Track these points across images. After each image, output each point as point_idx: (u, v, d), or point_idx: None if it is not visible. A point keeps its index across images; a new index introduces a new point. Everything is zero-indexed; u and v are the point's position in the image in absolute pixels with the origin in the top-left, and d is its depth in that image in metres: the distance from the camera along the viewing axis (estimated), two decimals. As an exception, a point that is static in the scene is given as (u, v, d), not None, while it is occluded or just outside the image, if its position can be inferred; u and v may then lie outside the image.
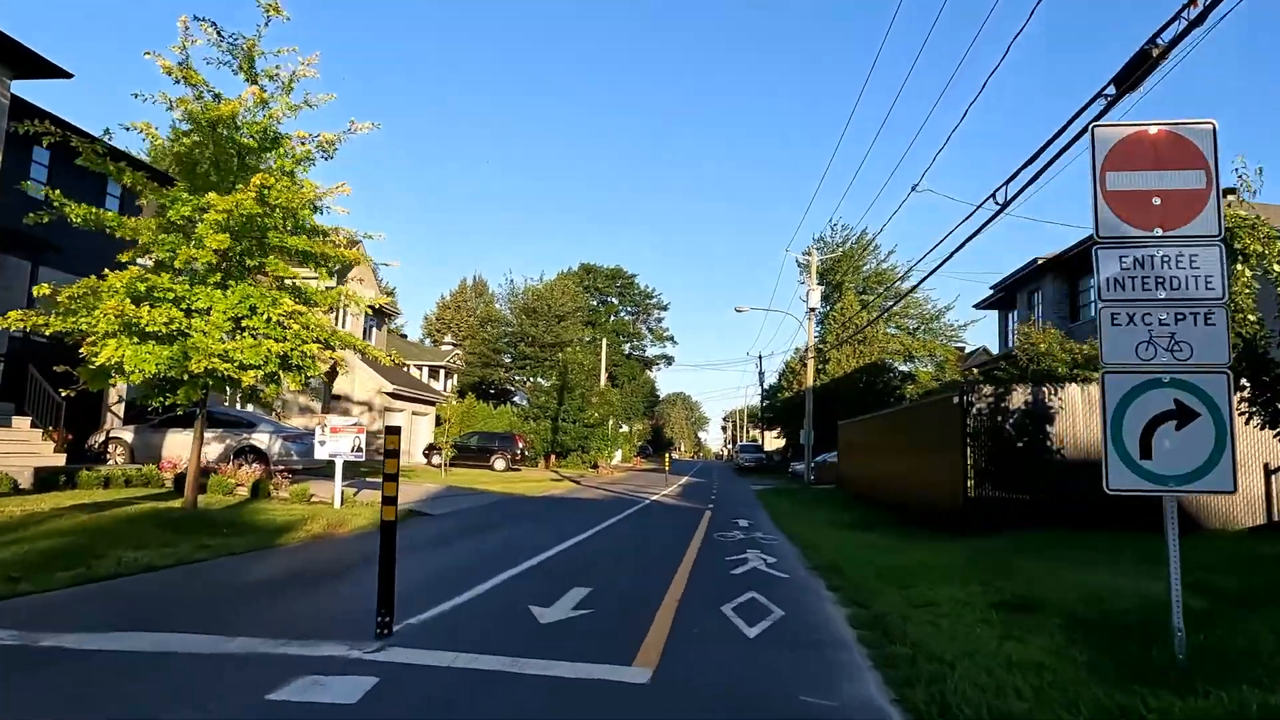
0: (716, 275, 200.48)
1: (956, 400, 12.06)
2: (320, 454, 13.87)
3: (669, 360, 70.34)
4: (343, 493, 14.08)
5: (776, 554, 10.43)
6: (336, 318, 30.74)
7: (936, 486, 13.07)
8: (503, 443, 35.07)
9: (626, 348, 65.00)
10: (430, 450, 35.13)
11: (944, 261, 26.09)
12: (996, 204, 12.29)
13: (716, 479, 42.04)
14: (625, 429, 74.92)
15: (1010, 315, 32.12)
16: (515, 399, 49.60)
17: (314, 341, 11.42)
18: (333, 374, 33.09)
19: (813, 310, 36.67)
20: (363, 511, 13.07)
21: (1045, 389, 12.24)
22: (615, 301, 64.82)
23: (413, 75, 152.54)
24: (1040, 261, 26.50)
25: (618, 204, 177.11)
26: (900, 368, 51.35)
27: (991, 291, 31.36)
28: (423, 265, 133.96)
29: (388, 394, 34.39)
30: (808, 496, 21.89)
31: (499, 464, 34.40)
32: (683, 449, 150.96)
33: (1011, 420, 11.74)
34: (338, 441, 13.84)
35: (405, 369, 49.31)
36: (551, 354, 44.04)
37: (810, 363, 36.88)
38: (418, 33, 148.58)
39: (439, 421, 43.89)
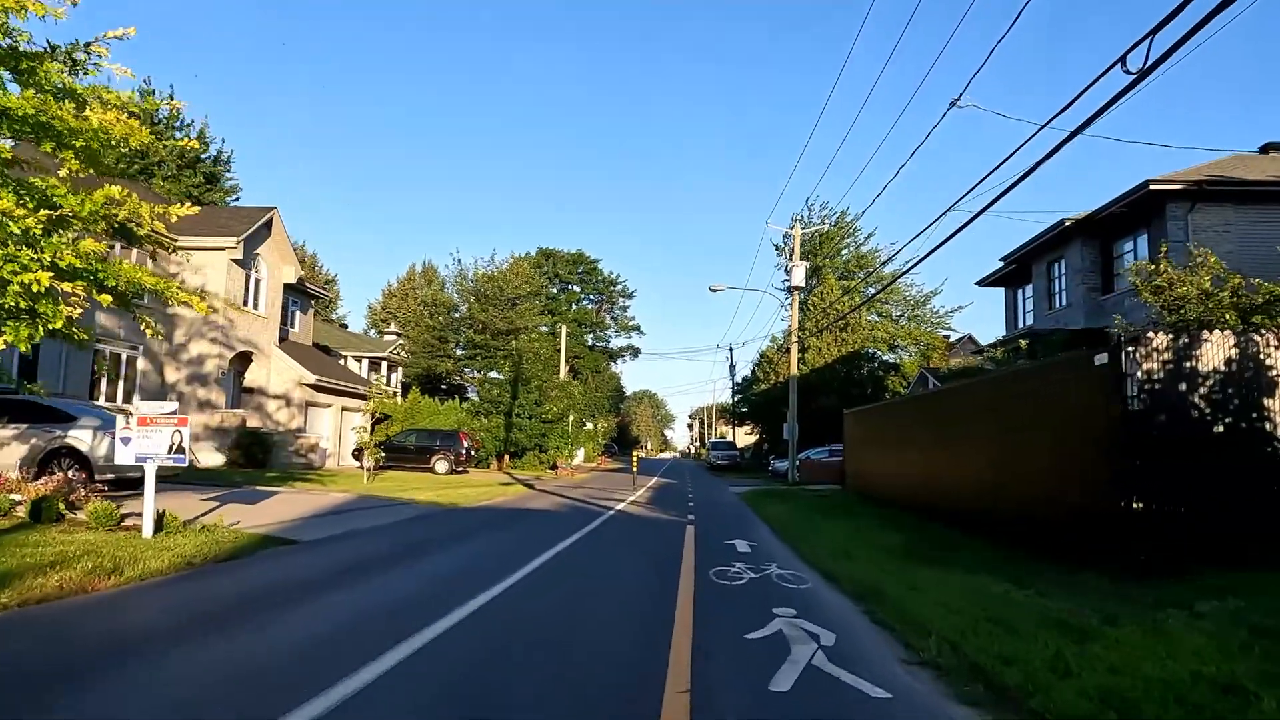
0: (685, 262, 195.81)
1: (1103, 361, 7.72)
2: (123, 456, 9.31)
3: (635, 352, 66.15)
4: (162, 514, 9.55)
5: (826, 618, 6.23)
6: (249, 299, 25.91)
7: (1052, 492, 8.93)
8: (445, 441, 30.50)
9: (589, 338, 60.55)
10: (360, 451, 30.38)
11: (973, 219, 22.13)
12: (1129, 73, 8.18)
13: (690, 479, 37.89)
14: (589, 426, 70.50)
15: (1021, 291, 28.43)
16: (471, 394, 44.92)
17: (43, 269, 6.80)
18: (245, 361, 28.27)
19: (797, 289, 32.70)
20: (176, 544, 8.59)
21: (1268, 337, 7.94)
22: (577, 289, 60.25)
23: (358, 56, 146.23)
24: (1068, 223, 22.75)
25: (578, 187, 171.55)
26: (884, 358, 47.82)
27: (1001, 264, 27.62)
28: (369, 254, 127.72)
29: (309, 386, 29.60)
30: (807, 501, 17.76)
31: (441, 466, 29.84)
32: (649, 447, 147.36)
33: (1202, 390, 7.49)
34: (149, 439, 9.30)
35: (344, 361, 44.38)
36: (505, 343, 39.50)
37: (794, 348, 32.90)
38: (360, 10, 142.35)
39: (380, 419, 39.18)
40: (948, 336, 49.78)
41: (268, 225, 28.37)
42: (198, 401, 25.52)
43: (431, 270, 45.73)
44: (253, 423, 28.23)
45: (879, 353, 46.28)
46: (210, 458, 25.22)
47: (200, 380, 25.66)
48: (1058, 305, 24.85)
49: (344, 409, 32.86)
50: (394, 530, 11.97)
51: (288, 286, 30.75)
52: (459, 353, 40.41)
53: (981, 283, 30.45)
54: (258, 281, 28.28)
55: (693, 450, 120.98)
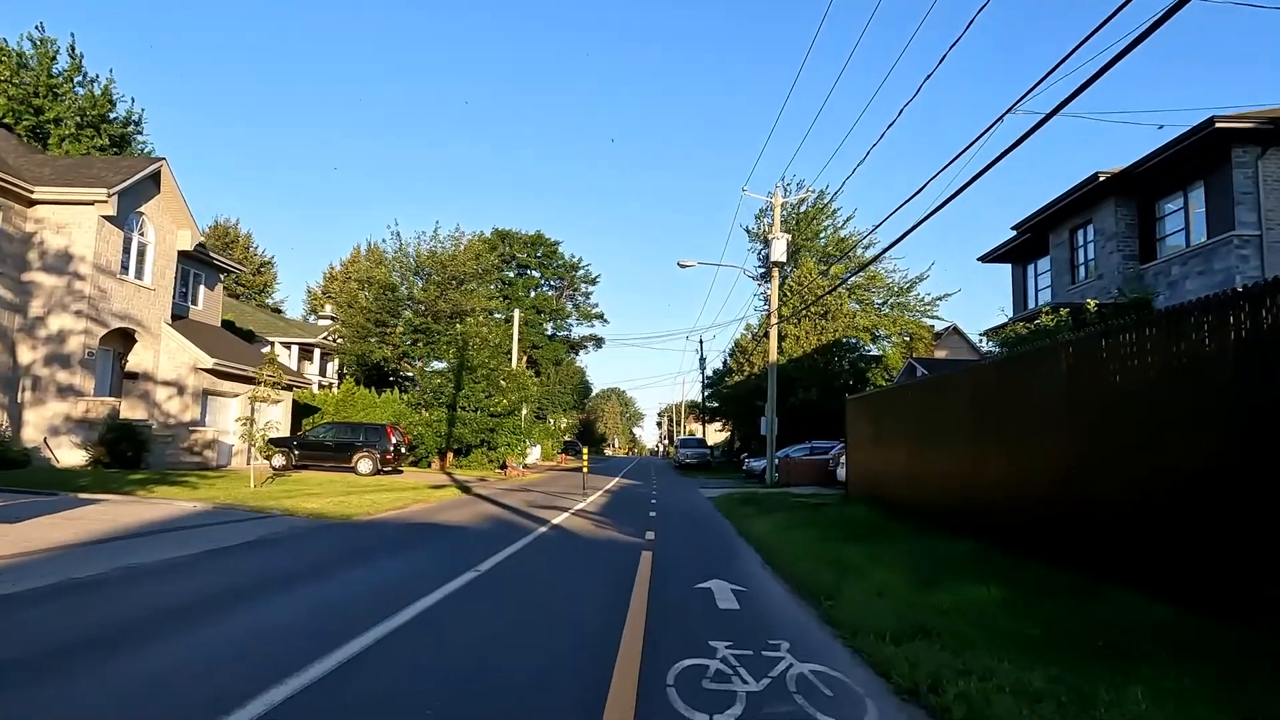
0: (651, 247, 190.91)
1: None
2: None
3: (599, 342, 61.84)
4: None
5: None
6: (131, 266, 21.24)
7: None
8: (370, 437, 26.20)
9: (549, 327, 56.25)
10: (270, 448, 25.97)
11: (963, 188, 18.46)
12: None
13: (655, 480, 33.96)
14: (549, 422, 66.21)
15: (1033, 266, 24.92)
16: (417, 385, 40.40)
17: None
18: (129, 341, 23.69)
19: (777, 265, 28.91)
20: None
21: None
22: (536, 274, 55.83)
23: (297, 28, 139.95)
24: (1102, 178, 19.19)
25: (534, 167, 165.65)
26: (867, 349, 44.33)
27: (1013, 234, 24.04)
28: (318, 239, 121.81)
29: (208, 371, 25.11)
30: (803, 514, 13.86)
31: (364, 465, 25.54)
32: (617, 445, 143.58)
33: None
34: None
35: (270, 348, 39.71)
36: (450, 327, 35.23)
37: (774, 331, 29.12)
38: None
39: (306, 410, 34.69)
40: (933, 326, 46.47)
41: (155, 180, 23.83)
42: (57, 387, 20.99)
43: (378, 251, 41.05)
44: (136, 413, 23.73)
45: (861, 342, 42.75)
46: (71, 455, 20.72)
47: (62, 362, 21.11)
48: (1081, 277, 21.35)
49: (255, 399, 28.32)
50: (183, 570, 7.80)
51: (185, 255, 26.22)
52: (399, 331, 35.90)
53: (986, 258, 26.90)
54: (142, 246, 23.73)
55: (661, 448, 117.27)
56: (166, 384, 24.47)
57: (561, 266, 55.52)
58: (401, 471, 30.82)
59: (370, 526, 12.31)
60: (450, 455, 34.85)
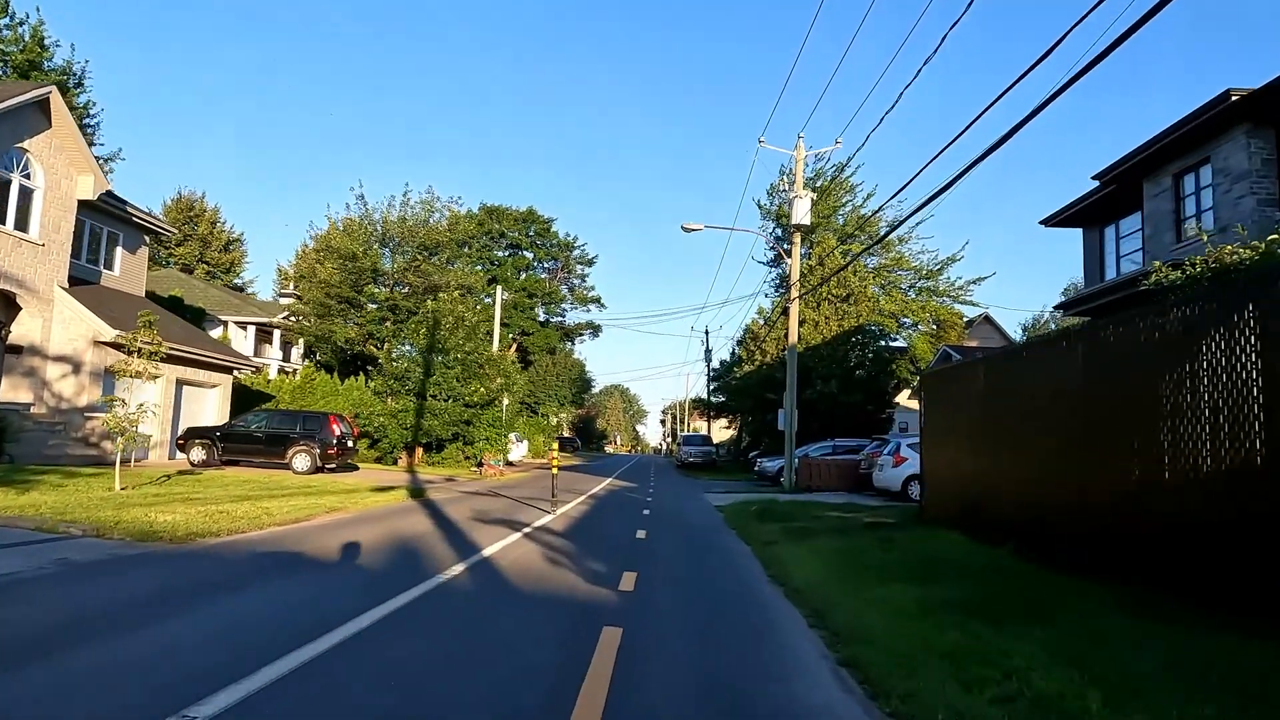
0: (651, 225, 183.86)
1: None
2: None
3: (596, 330, 57.11)
4: None
5: None
6: (8, 213, 16.80)
7: None
8: (309, 428, 21.84)
9: (541, 312, 51.67)
10: (188, 439, 21.69)
11: (995, 146, 13.53)
12: None
13: (654, 481, 29.60)
14: (539, 414, 61.84)
15: (1112, 229, 20.46)
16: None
17: None
18: (11, 308, 19.40)
19: (799, 229, 24.51)
20: None
21: None
22: (528, 254, 51.17)
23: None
24: (1234, 97, 14.71)
25: (525, 138, 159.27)
26: (893, 338, 39.89)
27: (1095, 184, 19.50)
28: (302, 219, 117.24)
29: (112, 346, 20.77)
30: (862, 543, 9.31)
31: (301, 461, 21.20)
32: (619, 442, 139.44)
33: None
34: None
35: (223, 329, 35.47)
36: (422, 304, 30.93)
37: (794, 306, 24.74)
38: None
39: (260, 398, 30.37)
40: (963, 314, 41.94)
41: (41, 111, 19.50)
42: (-100, 360, 16.69)
43: (353, 223, 36.42)
44: (19, 395, 19.49)
45: (887, 329, 38.29)
46: (-86, 446, 16.43)
47: (-91, 328, 16.80)
48: (1189, 234, 16.87)
49: (183, 381, 24.04)
50: None
51: (93, 209, 21.92)
52: (371, 307, 31.46)
53: (1050, 221, 22.36)
54: (25, 191, 19.40)
55: (664, 446, 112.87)
56: (60, 360, 20.17)
57: (555, 246, 50.93)
58: (355, 468, 26.54)
59: (202, 558, 7.94)
60: (420, 451, 30.53)
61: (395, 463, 29.89)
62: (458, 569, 7.57)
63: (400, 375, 29.37)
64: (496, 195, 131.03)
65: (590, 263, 52.03)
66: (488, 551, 8.77)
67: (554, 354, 58.07)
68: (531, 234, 49.93)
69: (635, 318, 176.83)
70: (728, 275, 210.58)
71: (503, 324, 49.64)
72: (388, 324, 30.81)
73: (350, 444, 22.76)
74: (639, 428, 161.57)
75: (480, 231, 48.97)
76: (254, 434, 21.78)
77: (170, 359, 23.00)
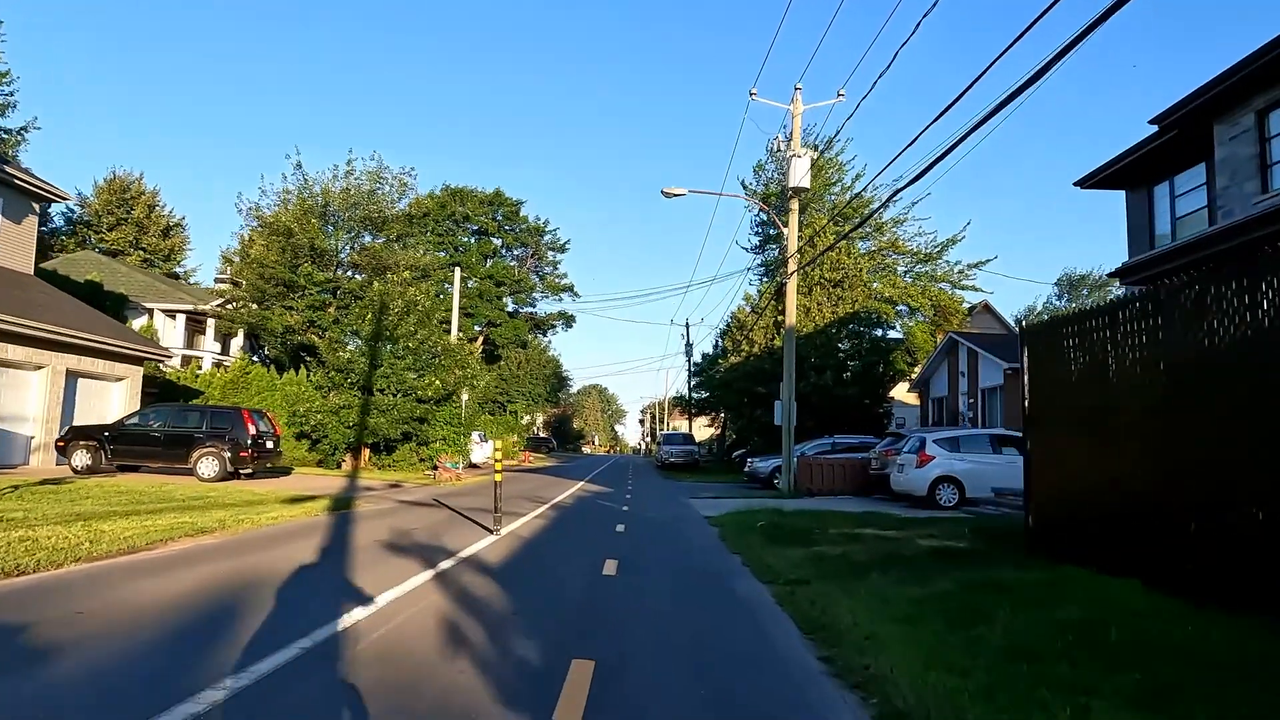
0: (627, 207, 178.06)
1: None
2: None
3: (568, 321, 53.32)
4: None
5: None
6: None
7: None
8: (218, 426, 18.29)
9: (509, 302, 48.01)
10: (69, 441, 18.06)
11: (994, 110, 10.15)
12: None
13: (630, 485, 26.33)
14: (507, 411, 58.29)
15: (1165, 186, 17.50)
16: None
17: None
18: None
19: (797, 193, 21.37)
20: None
21: None
22: (495, 240, 47.35)
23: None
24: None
25: (495, 115, 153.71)
26: (891, 327, 36.92)
27: (1154, 129, 16.44)
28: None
29: (-29, 328, 17.11)
30: (952, 590, 6.14)
31: (207, 467, 17.67)
32: (597, 442, 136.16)
33: None
34: None
35: (148, 318, 31.75)
36: (369, 287, 27.46)
37: (793, 282, 21.62)
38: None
39: (187, 394, 26.72)
40: (965, 300, 39.04)
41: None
42: None
43: (291, 197, 32.22)
44: None
45: (884, 316, 35.31)
46: None
47: None
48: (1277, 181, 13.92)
49: (75, 372, 20.38)
50: None
51: (-45, 164, 18.23)
52: (312, 299, 27.82)
53: (1085, 182, 19.36)
54: None
55: (643, 446, 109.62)
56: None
57: (525, 231, 47.26)
58: (288, 472, 23.10)
59: None
60: (367, 453, 27.03)
61: (338, 466, 26.38)
62: (264, 666, 4.20)
63: (343, 367, 25.83)
64: (460, 179, 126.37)
65: (563, 249, 48.55)
66: (354, 618, 5.41)
67: (525, 347, 54.39)
68: (499, 217, 46.29)
69: (612, 299, 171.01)
70: (711, 259, 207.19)
71: (467, 314, 46.12)
72: (330, 309, 27.23)
73: (271, 445, 19.23)
74: (618, 427, 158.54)
75: (443, 214, 45.25)
76: (152, 434, 18.20)
77: (57, 345, 19.41)
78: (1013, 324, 47.17)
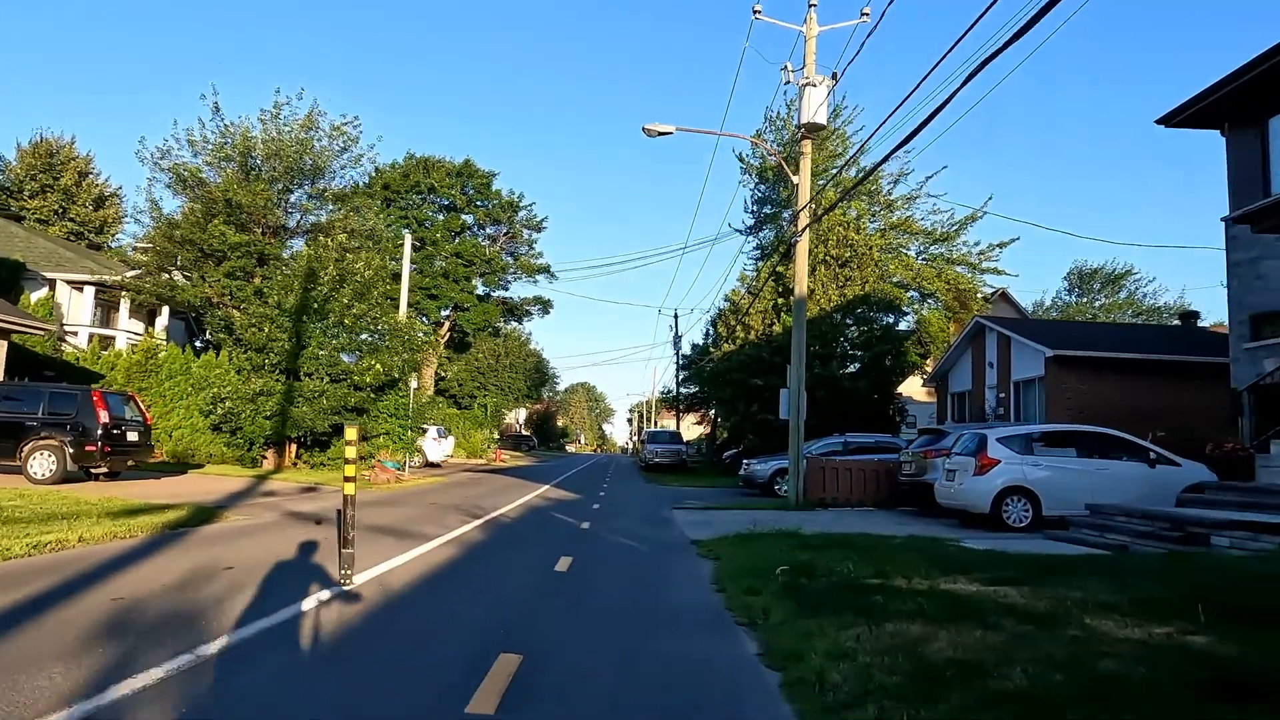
0: (608, 180, 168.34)
1: None
2: None
3: (545, 306, 48.56)
4: None
5: None
6: None
7: None
8: (59, 411, 14.04)
9: (479, 284, 43.54)
10: None
11: (997, 53, 6.86)
12: None
13: (606, 489, 22.27)
14: (484, 408, 54.06)
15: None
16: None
17: None
18: None
19: (812, 131, 17.36)
20: None
21: None
22: (466, 218, 42.76)
23: None
24: None
25: (461, 85, 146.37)
26: (904, 313, 33.01)
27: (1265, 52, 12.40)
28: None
29: None
30: None
31: (40, 465, 13.45)
32: (583, 441, 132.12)
33: None
34: None
35: (49, 289, 27.45)
36: (296, 253, 23.28)
37: (804, 241, 17.65)
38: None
39: (85, 377, 22.39)
40: (984, 285, 35.11)
41: None
42: None
43: (201, 144, 26.96)
44: None
45: (897, 300, 31.38)
46: None
47: None
48: None
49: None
50: None
51: None
52: (230, 266, 23.39)
53: (1172, 119, 15.38)
54: None
55: (631, 445, 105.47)
56: None
57: (498, 206, 42.87)
58: (183, 470, 18.90)
59: None
60: (293, 448, 22.82)
61: (257, 463, 22.15)
62: None
63: (262, 346, 21.58)
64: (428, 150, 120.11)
65: (539, 227, 44.10)
66: None
67: (498, 334, 49.97)
68: (469, 191, 41.86)
69: (595, 265, 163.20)
70: (700, 253, 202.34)
71: (431, 296, 41.77)
72: (256, 280, 22.99)
73: (136, 436, 14.99)
74: (606, 426, 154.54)
75: (405, 185, 40.90)
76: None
77: None
78: (1031, 315, 43.36)
